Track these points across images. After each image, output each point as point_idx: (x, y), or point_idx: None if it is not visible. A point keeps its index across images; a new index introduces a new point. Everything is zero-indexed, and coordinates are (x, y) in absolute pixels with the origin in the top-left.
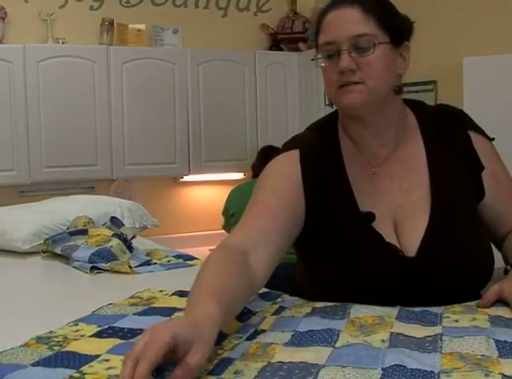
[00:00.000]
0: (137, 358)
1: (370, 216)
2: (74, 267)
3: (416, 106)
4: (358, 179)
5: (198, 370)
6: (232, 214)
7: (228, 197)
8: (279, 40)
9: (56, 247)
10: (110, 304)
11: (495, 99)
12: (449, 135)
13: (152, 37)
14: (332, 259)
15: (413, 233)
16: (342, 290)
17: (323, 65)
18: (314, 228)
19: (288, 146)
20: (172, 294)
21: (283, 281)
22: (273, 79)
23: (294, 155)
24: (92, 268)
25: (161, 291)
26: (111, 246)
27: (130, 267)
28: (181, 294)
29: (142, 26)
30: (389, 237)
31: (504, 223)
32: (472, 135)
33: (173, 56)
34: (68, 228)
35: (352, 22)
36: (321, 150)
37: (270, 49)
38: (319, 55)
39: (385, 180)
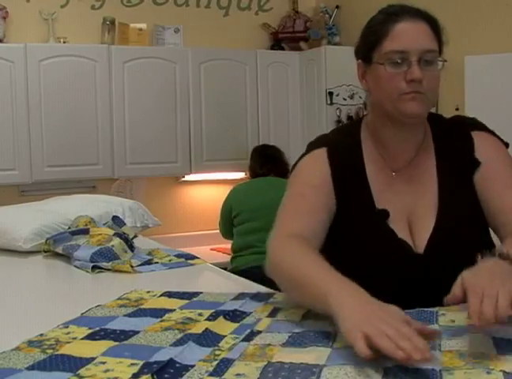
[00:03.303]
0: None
1: (385, 213)
2: (76, 266)
3: (431, 116)
4: (376, 180)
5: (198, 373)
6: (236, 215)
7: (228, 198)
8: (280, 39)
9: (58, 247)
10: (98, 306)
11: (496, 97)
12: (453, 139)
13: (153, 36)
14: (347, 252)
15: (424, 231)
16: (356, 280)
17: (388, 70)
18: (336, 223)
19: (316, 145)
20: (160, 295)
21: None
22: (275, 78)
23: (322, 152)
24: (94, 268)
25: (149, 292)
26: (112, 246)
27: (132, 266)
28: (169, 294)
29: (143, 25)
30: (403, 233)
31: (504, 222)
32: (475, 134)
33: (174, 55)
34: (69, 228)
35: (425, 36)
36: (344, 150)
37: (271, 48)
38: (381, 61)
39: (403, 182)
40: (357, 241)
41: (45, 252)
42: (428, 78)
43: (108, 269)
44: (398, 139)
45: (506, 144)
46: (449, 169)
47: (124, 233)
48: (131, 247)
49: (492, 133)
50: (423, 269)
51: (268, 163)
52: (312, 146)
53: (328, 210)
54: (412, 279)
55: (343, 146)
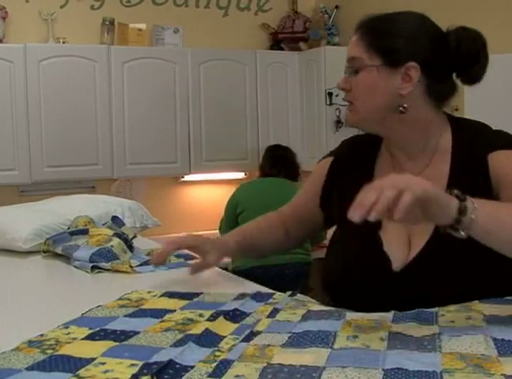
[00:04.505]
0: None
1: (377, 222)
2: (75, 266)
3: (457, 127)
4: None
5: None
6: (241, 211)
7: (235, 194)
8: (280, 40)
9: (57, 247)
10: (99, 306)
11: (496, 98)
12: (470, 158)
13: (152, 37)
14: (335, 256)
15: (414, 249)
16: (338, 286)
17: None
18: (334, 225)
19: (330, 152)
20: (161, 296)
21: (289, 280)
22: (274, 78)
23: (328, 160)
24: (93, 268)
25: (149, 292)
26: (111, 246)
27: (131, 266)
28: (170, 295)
29: (143, 25)
30: (394, 246)
31: None
32: (494, 156)
33: (174, 55)
34: (68, 228)
35: (351, 45)
36: (355, 160)
37: (271, 48)
38: None
39: None
40: (344, 246)
41: (44, 252)
42: (353, 86)
43: (107, 269)
44: (392, 146)
45: None
46: (463, 184)
47: (124, 233)
48: (130, 247)
49: None
50: (396, 287)
51: (278, 164)
52: (329, 152)
53: (309, 208)
54: (385, 295)
55: (354, 155)
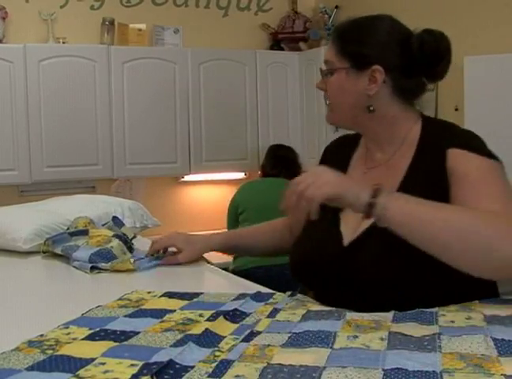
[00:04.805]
0: None
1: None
2: (74, 266)
3: (427, 122)
4: (351, 175)
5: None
6: (241, 211)
7: (237, 193)
8: (280, 40)
9: (56, 247)
10: (99, 306)
11: (495, 98)
12: (432, 151)
13: (152, 37)
14: (301, 236)
15: (360, 228)
16: (299, 263)
17: None
18: None
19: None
20: (161, 296)
21: (289, 280)
22: (274, 78)
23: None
24: (92, 268)
25: (149, 292)
26: (111, 247)
27: (131, 263)
28: (170, 295)
29: (143, 26)
30: (347, 225)
31: None
32: (453, 152)
33: (174, 56)
34: (68, 228)
35: (327, 49)
36: (339, 151)
37: (271, 48)
38: None
39: (369, 180)
40: (308, 227)
41: (44, 252)
42: (328, 87)
43: (107, 269)
44: (367, 140)
45: (494, 159)
46: (419, 174)
47: (124, 234)
48: (130, 249)
49: (474, 149)
50: (344, 261)
51: (279, 164)
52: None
53: None
54: (335, 267)
55: (339, 147)
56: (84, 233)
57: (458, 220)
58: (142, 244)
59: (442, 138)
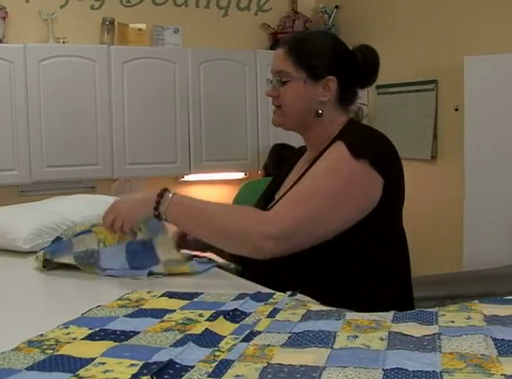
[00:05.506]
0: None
1: (270, 197)
2: (110, 275)
3: (347, 124)
4: (294, 170)
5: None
6: None
7: (238, 193)
8: (280, 40)
9: (61, 257)
10: (99, 306)
11: (495, 98)
12: (328, 147)
13: (152, 36)
14: None
15: None
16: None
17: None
18: None
19: None
20: (161, 296)
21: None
22: None
23: None
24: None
25: (149, 292)
26: (150, 238)
27: (190, 266)
28: (170, 295)
29: (143, 25)
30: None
31: None
32: (334, 144)
33: (174, 55)
34: (61, 237)
35: (277, 60)
36: (294, 156)
37: (271, 48)
38: None
39: (295, 174)
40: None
41: (44, 267)
42: (281, 95)
43: (161, 273)
44: (306, 141)
45: (362, 156)
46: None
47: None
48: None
49: (349, 144)
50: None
51: (281, 165)
52: None
53: None
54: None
55: (298, 152)
56: (86, 233)
57: (217, 217)
58: None
59: (342, 134)
